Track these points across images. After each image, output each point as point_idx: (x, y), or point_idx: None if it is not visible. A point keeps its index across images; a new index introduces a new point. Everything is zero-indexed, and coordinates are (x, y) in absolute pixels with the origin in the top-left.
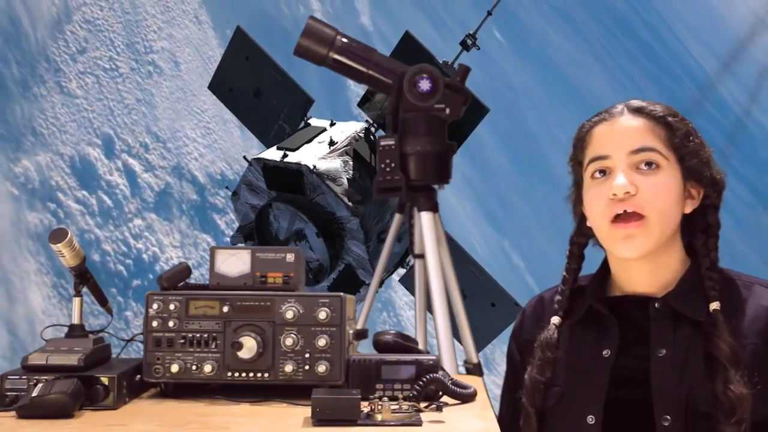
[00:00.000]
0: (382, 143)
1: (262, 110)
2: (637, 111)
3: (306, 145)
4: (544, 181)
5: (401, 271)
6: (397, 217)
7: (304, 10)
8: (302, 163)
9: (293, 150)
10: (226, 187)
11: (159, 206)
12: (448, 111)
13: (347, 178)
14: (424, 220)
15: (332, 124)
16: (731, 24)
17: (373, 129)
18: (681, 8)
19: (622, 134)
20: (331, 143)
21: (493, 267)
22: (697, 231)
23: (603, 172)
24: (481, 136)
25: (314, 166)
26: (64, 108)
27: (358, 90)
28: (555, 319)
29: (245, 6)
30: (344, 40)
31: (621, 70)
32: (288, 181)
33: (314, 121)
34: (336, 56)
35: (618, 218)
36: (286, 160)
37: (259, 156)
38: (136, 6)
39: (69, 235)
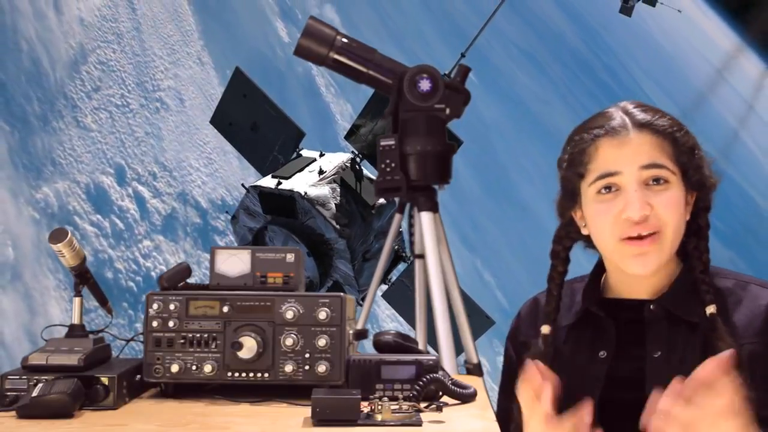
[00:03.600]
0: (382, 143)
1: (258, 142)
2: (644, 126)
3: (298, 174)
4: (513, 206)
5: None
6: (397, 217)
7: None
8: (294, 190)
9: (286, 178)
10: (226, 212)
11: (166, 229)
12: (448, 111)
13: (335, 204)
14: (425, 220)
15: (321, 155)
16: (686, 71)
17: (358, 159)
18: (637, 53)
19: (632, 151)
20: (321, 172)
21: (467, 283)
22: (689, 234)
23: (609, 188)
24: (455, 165)
25: (305, 193)
26: (80, 140)
27: (344, 124)
28: (545, 329)
29: (243, 49)
30: (344, 40)
31: (582, 106)
32: (282, 206)
33: (305, 152)
34: (336, 56)
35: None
36: (280, 187)
37: (255, 184)
38: (145, 49)
39: (69, 235)
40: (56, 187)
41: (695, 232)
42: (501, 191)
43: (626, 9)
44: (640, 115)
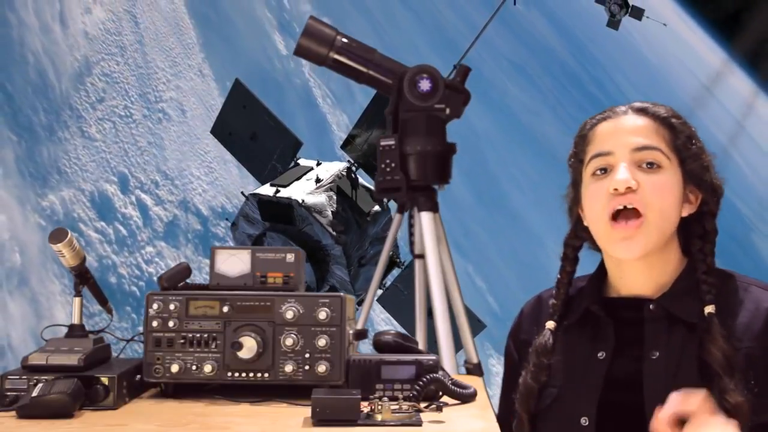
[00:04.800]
0: (382, 143)
1: (257, 152)
2: (641, 111)
3: (296, 182)
4: (503, 214)
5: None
6: (397, 217)
7: (294, 65)
8: (292, 197)
9: (285, 186)
10: (226, 219)
11: (168, 235)
12: (448, 111)
13: (331, 211)
14: (425, 220)
15: (318, 164)
16: (672, 84)
17: (354, 168)
18: (624, 65)
19: (626, 132)
20: (318, 180)
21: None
22: (694, 236)
23: (604, 170)
24: None
25: (303, 201)
26: (85, 150)
27: (340, 134)
28: (550, 324)
29: (243, 61)
30: (344, 40)
31: (570, 117)
32: (280, 214)
33: (303, 161)
34: (336, 56)
35: (618, 216)
36: (278, 195)
37: (254, 192)
38: (148, 61)
39: (69, 235)
40: (62, 195)
41: (701, 235)
42: (492, 199)
43: (613, 22)
44: (640, 104)
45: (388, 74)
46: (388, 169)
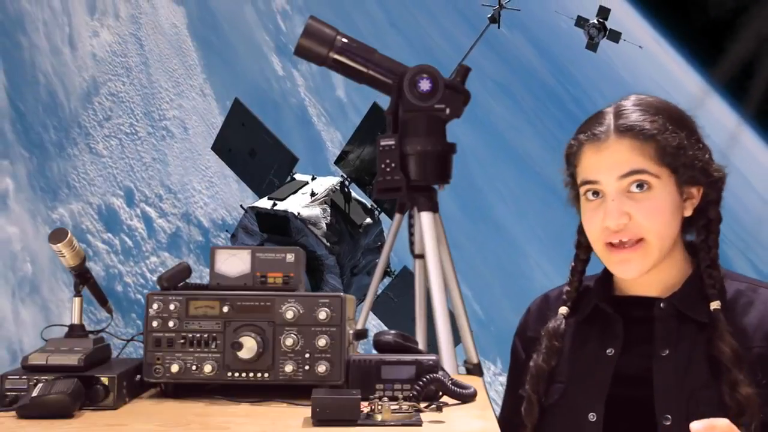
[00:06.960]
0: (382, 143)
1: (255, 167)
2: (626, 132)
3: (292, 196)
4: (488, 225)
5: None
6: (397, 217)
7: (291, 85)
8: (289, 210)
9: (281, 200)
10: (226, 231)
11: (171, 246)
12: (448, 111)
13: (326, 223)
14: (425, 220)
15: (313, 179)
16: None
17: (347, 182)
18: (602, 86)
19: (609, 159)
20: (313, 194)
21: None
22: (699, 227)
23: (596, 193)
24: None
25: (298, 213)
26: (93, 165)
27: (334, 150)
28: (563, 310)
29: (242, 81)
30: (344, 40)
31: (551, 134)
32: (277, 226)
33: (299, 176)
34: (336, 56)
35: (614, 245)
36: (275, 208)
37: (253, 205)
38: (152, 81)
39: (69, 235)
40: (71, 208)
41: (704, 225)
42: (477, 211)
43: (591, 45)
44: (624, 120)
45: (389, 74)
46: (388, 170)
